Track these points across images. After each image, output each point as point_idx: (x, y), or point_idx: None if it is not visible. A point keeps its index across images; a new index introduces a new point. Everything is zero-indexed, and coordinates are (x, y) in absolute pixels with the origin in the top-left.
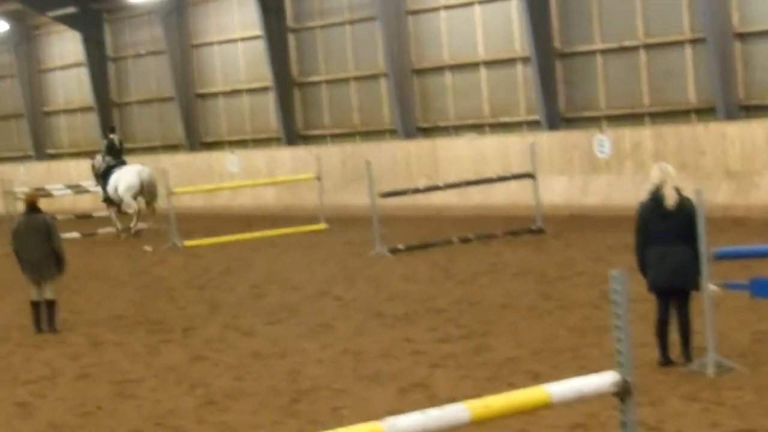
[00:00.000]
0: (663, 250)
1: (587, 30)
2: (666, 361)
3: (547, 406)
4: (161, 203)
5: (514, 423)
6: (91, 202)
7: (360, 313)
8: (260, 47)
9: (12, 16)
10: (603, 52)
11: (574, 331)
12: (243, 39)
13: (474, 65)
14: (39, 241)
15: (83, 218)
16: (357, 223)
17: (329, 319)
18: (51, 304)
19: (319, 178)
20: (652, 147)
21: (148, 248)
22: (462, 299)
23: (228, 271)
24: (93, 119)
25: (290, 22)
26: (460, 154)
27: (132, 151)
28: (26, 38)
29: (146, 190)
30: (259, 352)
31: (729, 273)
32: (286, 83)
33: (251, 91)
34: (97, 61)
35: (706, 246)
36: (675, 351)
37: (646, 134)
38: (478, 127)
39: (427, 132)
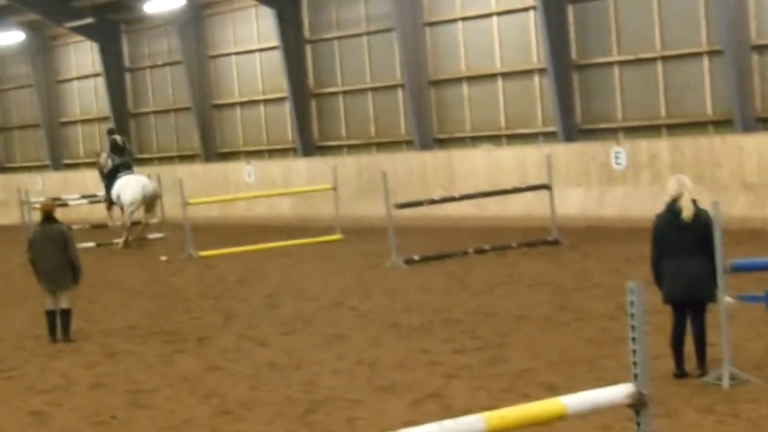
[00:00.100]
0: (679, 262)
1: (604, 42)
2: (681, 373)
3: (563, 418)
4: (177, 213)
5: None
6: (106, 211)
7: (375, 324)
8: (277, 58)
9: (29, 27)
10: (620, 63)
11: (589, 343)
12: (260, 50)
13: (491, 77)
14: (55, 250)
15: (99, 228)
16: (373, 233)
17: (344, 330)
18: (66, 314)
19: (335, 189)
20: (669, 159)
21: (163, 258)
22: (477, 310)
23: (243, 281)
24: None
25: (307, 33)
26: (476, 165)
27: (148, 161)
28: (44, 49)
29: (147, 202)
30: (274, 362)
31: (745, 285)
32: (303, 94)
33: (268, 101)
34: (114, 71)
35: (722, 258)
36: (690, 363)
37: (662, 146)
38: (494, 139)
39: (444, 143)
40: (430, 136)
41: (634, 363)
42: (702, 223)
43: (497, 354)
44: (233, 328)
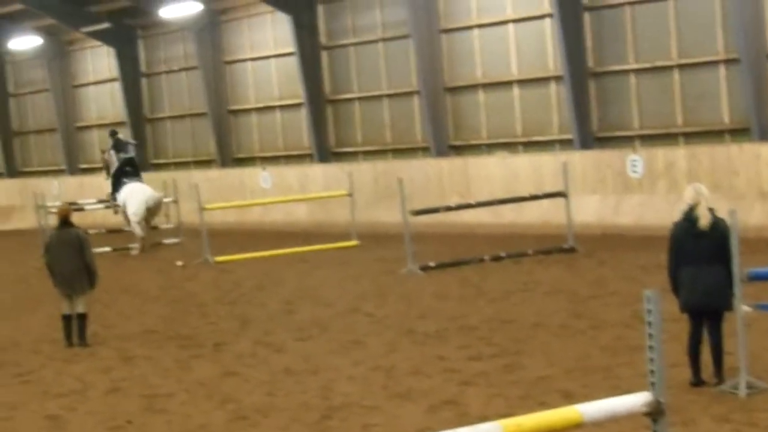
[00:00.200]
0: (696, 271)
1: (621, 49)
2: (698, 382)
3: (579, 426)
4: (194, 218)
5: None
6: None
7: (391, 330)
8: (293, 64)
9: (46, 32)
10: (636, 71)
11: (606, 351)
12: (276, 56)
13: (507, 84)
14: (71, 255)
15: (114, 232)
16: (389, 240)
17: (360, 336)
18: (82, 318)
19: (351, 195)
20: (686, 167)
21: (179, 263)
22: (494, 317)
23: (259, 286)
24: (125, 134)
25: (323, 39)
26: (492, 172)
27: (164, 166)
28: (60, 53)
29: (150, 212)
30: (290, 368)
31: (762, 294)
32: (319, 100)
33: (284, 107)
34: (131, 76)
35: (739, 267)
36: (707, 371)
37: (679, 154)
38: (510, 146)
39: (459, 150)
40: (446, 143)
41: (652, 371)
42: (719, 232)
43: (513, 361)
44: (249, 333)
